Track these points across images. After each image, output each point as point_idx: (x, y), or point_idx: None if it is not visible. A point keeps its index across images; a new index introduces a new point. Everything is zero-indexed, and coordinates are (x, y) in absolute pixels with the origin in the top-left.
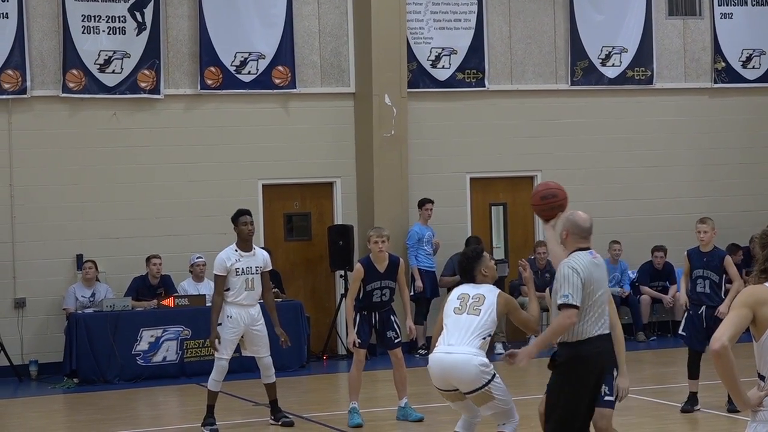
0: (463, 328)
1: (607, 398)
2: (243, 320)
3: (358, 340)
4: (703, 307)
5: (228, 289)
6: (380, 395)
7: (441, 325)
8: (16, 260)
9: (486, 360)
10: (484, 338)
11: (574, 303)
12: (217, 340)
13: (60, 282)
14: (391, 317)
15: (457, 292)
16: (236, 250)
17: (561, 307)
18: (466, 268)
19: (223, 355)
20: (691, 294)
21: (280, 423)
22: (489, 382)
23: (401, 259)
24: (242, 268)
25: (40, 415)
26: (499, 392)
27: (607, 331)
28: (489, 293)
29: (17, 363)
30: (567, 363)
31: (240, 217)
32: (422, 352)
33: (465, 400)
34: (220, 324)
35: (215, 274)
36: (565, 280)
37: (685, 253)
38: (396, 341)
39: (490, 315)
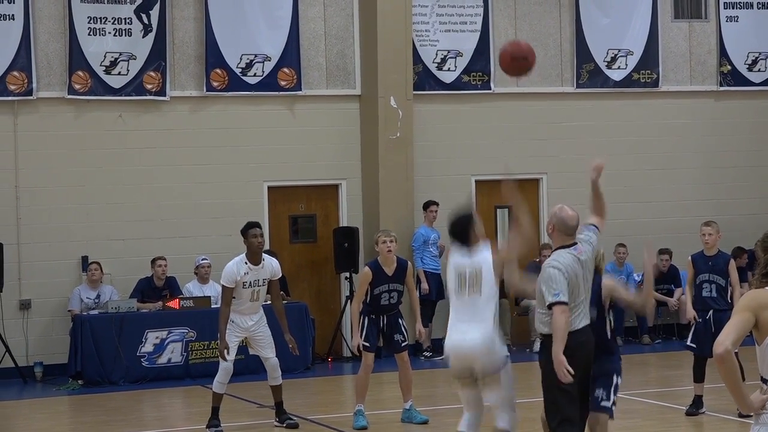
0: (470, 310)
1: (603, 403)
2: (244, 325)
3: (365, 344)
4: (711, 312)
5: (233, 297)
6: (385, 397)
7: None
8: (22, 262)
9: (499, 342)
10: (492, 312)
11: (564, 300)
12: (225, 350)
13: (65, 284)
14: (399, 320)
15: (453, 267)
16: (246, 263)
17: (552, 305)
18: (460, 233)
19: (227, 358)
20: (697, 300)
21: (284, 425)
22: (503, 365)
23: (409, 263)
24: (250, 281)
25: (46, 417)
26: (508, 379)
27: (588, 322)
28: (484, 263)
29: (22, 364)
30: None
31: (250, 229)
32: (427, 354)
33: (476, 389)
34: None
35: (223, 285)
36: (551, 280)
37: (689, 258)
38: (403, 344)
39: (491, 288)
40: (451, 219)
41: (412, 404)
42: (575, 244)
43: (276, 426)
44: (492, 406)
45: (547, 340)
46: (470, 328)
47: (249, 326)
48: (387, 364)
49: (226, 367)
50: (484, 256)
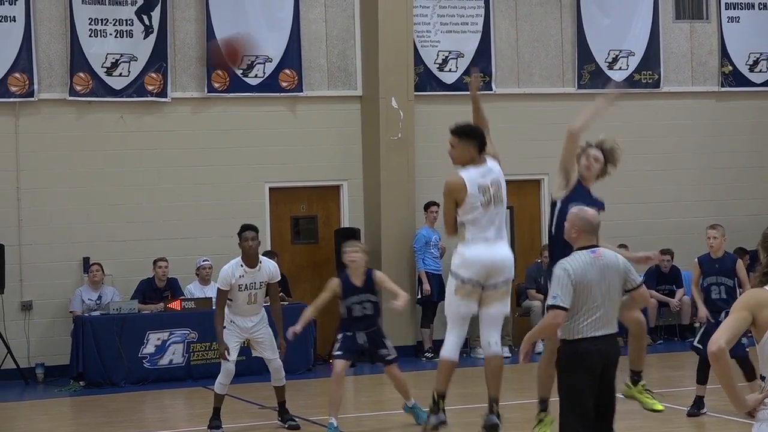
0: (494, 221)
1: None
2: (244, 326)
3: (337, 352)
4: (723, 314)
5: (231, 300)
6: (387, 398)
7: (452, 214)
8: (23, 263)
9: None
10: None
11: (562, 304)
12: (226, 351)
13: (67, 285)
14: (381, 337)
15: (474, 183)
16: (241, 265)
17: (549, 308)
18: (478, 136)
19: (228, 359)
20: (707, 302)
21: (286, 426)
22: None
23: (376, 271)
24: (246, 284)
25: (47, 418)
26: (508, 296)
27: (612, 332)
28: (500, 175)
29: (24, 366)
30: (566, 359)
31: (242, 233)
32: (429, 355)
33: (476, 303)
34: (225, 327)
35: (218, 288)
36: (556, 281)
37: (696, 260)
38: (388, 358)
39: (506, 197)
40: (466, 124)
41: (416, 403)
42: (596, 246)
43: (278, 427)
44: (488, 322)
45: (563, 345)
46: (497, 243)
47: (249, 327)
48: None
49: (227, 369)
50: (497, 168)
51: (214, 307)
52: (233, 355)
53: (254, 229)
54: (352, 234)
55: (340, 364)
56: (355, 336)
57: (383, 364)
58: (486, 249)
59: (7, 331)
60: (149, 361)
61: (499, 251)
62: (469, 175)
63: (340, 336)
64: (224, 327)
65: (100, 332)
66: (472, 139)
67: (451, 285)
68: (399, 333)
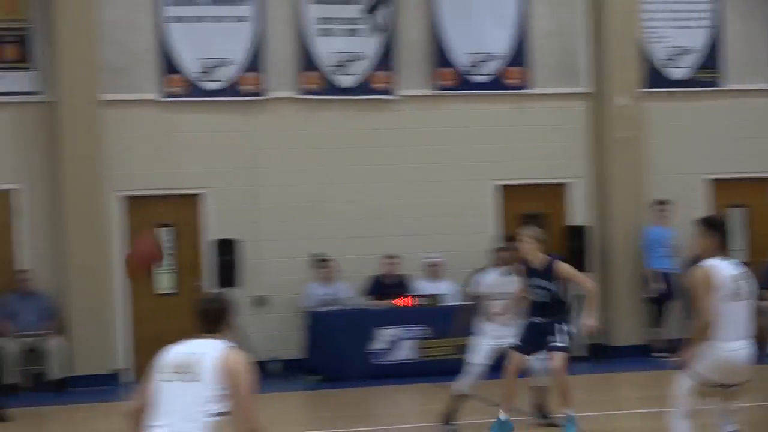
0: (741, 319)
1: None
2: (495, 334)
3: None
4: None
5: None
6: (621, 397)
7: (707, 304)
8: (259, 258)
9: None
10: None
11: None
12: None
13: (299, 280)
14: (553, 328)
15: (726, 275)
16: (497, 274)
17: None
18: (725, 233)
19: (476, 361)
20: None
21: (543, 423)
22: None
23: (558, 261)
24: (496, 293)
25: (281, 411)
26: None
27: None
28: (747, 273)
29: (258, 360)
30: None
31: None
32: (658, 355)
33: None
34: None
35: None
36: None
37: None
38: (553, 344)
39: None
40: (712, 216)
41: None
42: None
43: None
44: (726, 411)
45: None
46: (745, 340)
47: (499, 335)
48: (615, 365)
49: (471, 370)
50: (741, 265)
51: (444, 304)
52: (481, 359)
53: (512, 239)
54: (579, 232)
55: (515, 357)
56: (530, 323)
57: (546, 351)
58: (733, 348)
59: (243, 326)
60: (380, 356)
61: (742, 354)
62: (718, 265)
63: (521, 323)
64: (478, 326)
65: (332, 327)
66: (717, 231)
67: (685, 383)
68: (627, 332)
